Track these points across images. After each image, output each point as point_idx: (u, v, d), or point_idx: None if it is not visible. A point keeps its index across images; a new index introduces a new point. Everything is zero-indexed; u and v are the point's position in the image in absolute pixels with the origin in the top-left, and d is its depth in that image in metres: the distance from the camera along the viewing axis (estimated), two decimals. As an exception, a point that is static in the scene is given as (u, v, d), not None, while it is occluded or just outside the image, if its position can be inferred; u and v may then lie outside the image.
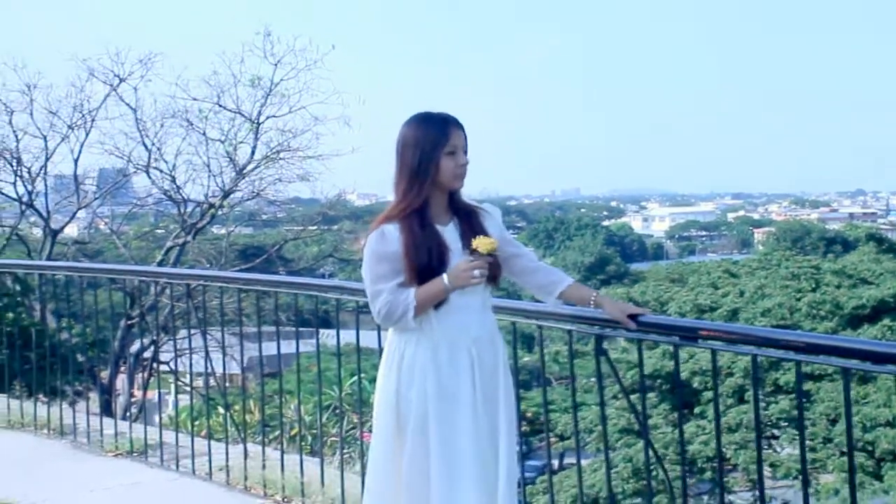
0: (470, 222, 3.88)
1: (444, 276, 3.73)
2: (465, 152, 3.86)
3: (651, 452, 4.92)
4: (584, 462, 28.94)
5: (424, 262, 3.75)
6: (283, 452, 6.06)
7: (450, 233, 3.85)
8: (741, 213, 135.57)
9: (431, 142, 3.79)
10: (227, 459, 6.28)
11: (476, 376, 3.81)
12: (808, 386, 27.45)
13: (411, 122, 3.88)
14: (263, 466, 6.07)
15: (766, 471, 27.82)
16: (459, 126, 3.86)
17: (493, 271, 3.82)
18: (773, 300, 31.82)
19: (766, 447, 28.91)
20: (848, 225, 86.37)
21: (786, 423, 27.73)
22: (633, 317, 4.03)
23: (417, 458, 3.79)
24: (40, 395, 8.01)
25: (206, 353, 6.74)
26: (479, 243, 3.70)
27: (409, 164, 3.81)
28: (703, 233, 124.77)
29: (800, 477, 26.88)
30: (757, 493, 27.79)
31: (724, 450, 27.43)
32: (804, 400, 27.60)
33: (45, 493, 6.09)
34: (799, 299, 31.68)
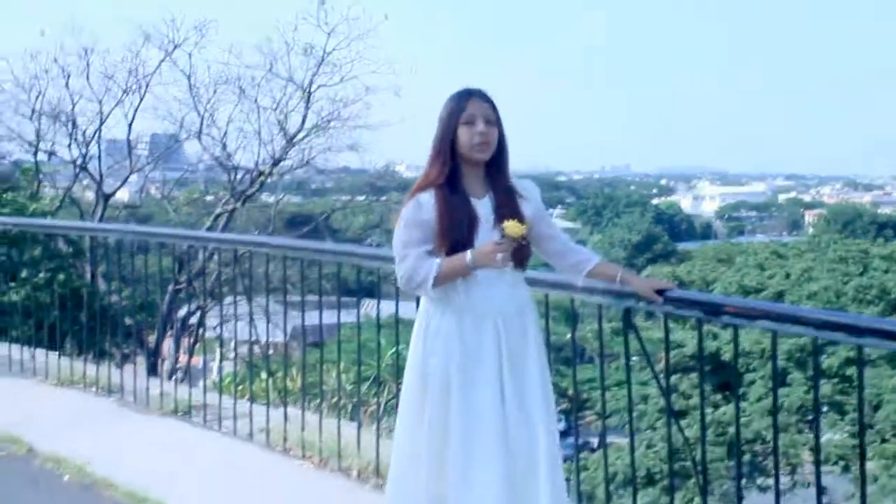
0: (505, 199, 3.97)
1: (469, 252, 3.82)
2: (495, 123, 3.93)
3: (681, 435, 5.03)
4: (624, 441, 29.08)
5: (455, 232, 3.87)
6: (321, 416, 6.25)
7: (483, 206, 3.94)
8: (793, 194, 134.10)
9: (450, 113, 3.93)
10: (267, 422, 6.46)
11: (502, 348, 3.90)
12: (849, 371, 27.36)
13: (448, 98, 4.01)
14: (303, 429, 6.24)
15: (807, 455, 27.79)
16: (481, 96, 3.95)
17: (522, 253, 3.93)
18: (819, 283, 31.63)
19: (807, 431, 28.84)
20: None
21: (827, 409, 27.64)
22: (660, 292, 4.15)
23: (437, 424, 3.91)
24: (89, 355, 8.24)
25: (251, 319, 6.94)
26: (509, 227, 3.77)
27: (437, 138, 3.96)
28: (753, 213, 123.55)
29: (839, 462, 26.85)
30: (797, 477, 27.78)
31: (763, 433, 27.43)
32: (847, 385, 27.54)
33: (94, 447, 6.31)
34: (846, 283, 31.48)
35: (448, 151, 3.91)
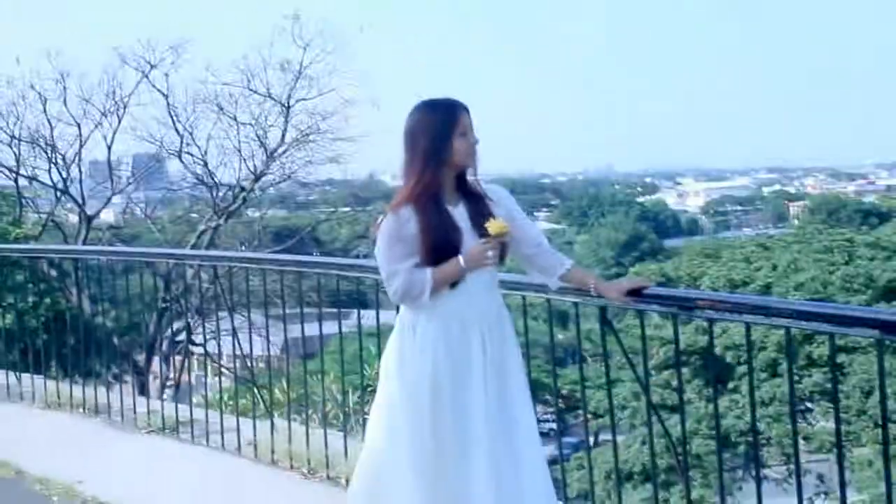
0: (477, 204, 4.04)
1: (460, 257, 3.90)
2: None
3: (664, 430, 5.08)
4: (619, 439, 29.04)
5: (440, 243, 3.92)
6: (307, 427, 6.27)
7: (459, 213, 4.00)
8: (776, 187, 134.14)
9: (443, 125, 3.95)
10: (254, 435, 6.49)
11: (487, 351, 3.97)
12: (841, 358, 27.46)
13: (419, 108, 4.04)
14: (289, 441, 6.27)
15: (802, 445, 27.91)
16: (466, 109, 4.03)
17: (503, 249, 3.99)
18: (806, 274, 31.74)
19: (799, 421, 28.99)
20: (881, 196, 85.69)
21: (819, 397, 27.77)
22: (635, 291, 4.20)
23: (428, 429, 3.94)
24: (76, 377, 8.26)
25: (234, 333, 6.97)
26: (492, 226, 3.88)
27: (422, 148, 3.94)
28: (739, 208, 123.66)
29: (834, 450, 26.97)
30: (792, 466, 27.89)
31: (757, 423, 27.55)
32: (838, 373, 27.66)
33: (82, 467, 6.31)
34: (832, 273, 31.60)
35: (441, 162, 3.95)
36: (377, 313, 5.84)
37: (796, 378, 27.47)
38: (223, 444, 6.66)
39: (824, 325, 3.67)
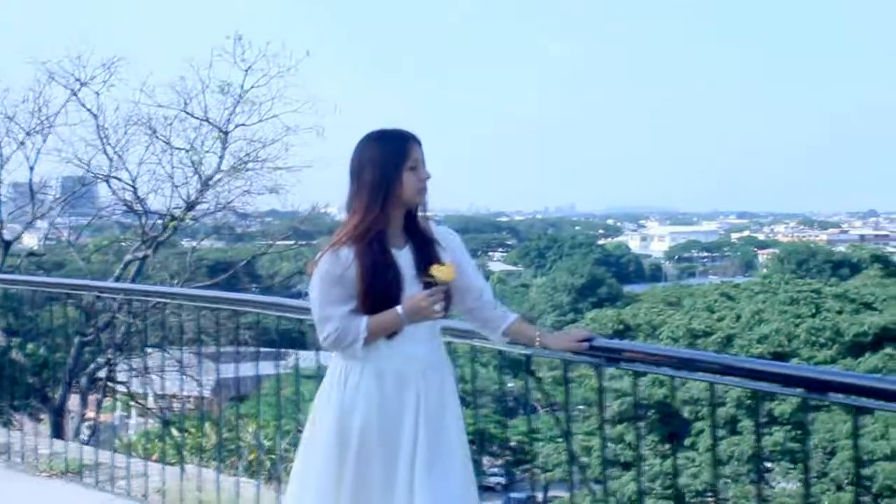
0: (425, 249, 3.96)
1: (399, 308, 3.82)
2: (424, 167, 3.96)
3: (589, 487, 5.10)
4: (567, 495, 29.00)
5: (378, 290, 3.84)
6: (219, 473, 6.25)
7: (404, 257, 3.91)
8: (746, 233, 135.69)
9: (392, 158, 3.87)
10: (163, 481, 6.45)
11: (421, 407, 3.90)
12: (801, 416, 27.73)
13: (367, 139, 3.95)
14: (199, 489, 6.24)
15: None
16: (418, 141, 3.94)
17: (447, 299, 3.91)
18: (770, 326, 32.04)
19: (759, 481, 29.14)
20: (851, 246, 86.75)
21: (780, 457, 27.95)
22: (581, 342, 4.17)
23: (358, 486, 3.88)
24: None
25: (146, 370, 6.94)
26: (439, 272, 3.80)
27: (368, 183, 3.86)
28: (705, 254, 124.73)
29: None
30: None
31: (715, 484, 27.65)
32: (800, 432, 27.89)
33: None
34: (798, 325, 31.92)
35: (388, 198, 3.86)
36: (296, 358, 5.84)
37: (756, 437, 27.64)
38: (129, 491, 6.60)
39: (748, 382, 3.75)
